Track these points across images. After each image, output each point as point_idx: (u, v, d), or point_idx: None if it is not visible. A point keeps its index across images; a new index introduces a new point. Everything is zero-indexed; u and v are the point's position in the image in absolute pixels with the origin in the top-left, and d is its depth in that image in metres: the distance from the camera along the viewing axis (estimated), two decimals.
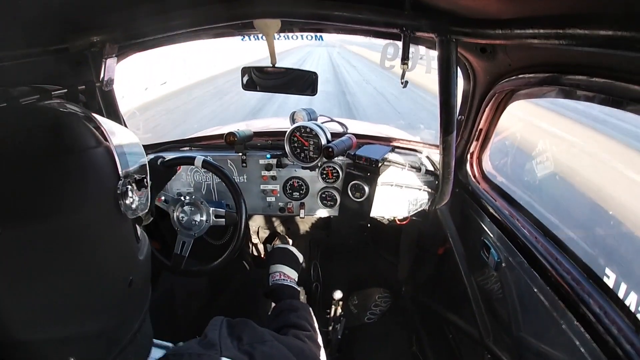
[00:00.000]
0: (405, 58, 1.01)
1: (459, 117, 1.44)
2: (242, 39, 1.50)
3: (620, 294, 0.87)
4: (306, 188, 1.73)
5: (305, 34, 1.46)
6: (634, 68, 0.69)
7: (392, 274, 2.19)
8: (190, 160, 1.42)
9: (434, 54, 1.05)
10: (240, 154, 1.69)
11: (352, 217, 1.74)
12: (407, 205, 1.69)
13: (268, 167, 1.71)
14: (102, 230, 0.46)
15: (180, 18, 0.98)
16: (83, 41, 0.98)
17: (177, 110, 9.21)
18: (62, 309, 0.43)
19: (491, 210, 1.34)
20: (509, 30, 0.79)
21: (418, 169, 1.63)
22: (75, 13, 0.88)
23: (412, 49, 1.03)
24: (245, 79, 1.43)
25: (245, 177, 1.74)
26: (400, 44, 1.01)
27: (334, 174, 1.68)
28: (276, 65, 1.32)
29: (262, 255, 2.31)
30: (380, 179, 1.62)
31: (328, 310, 1.73)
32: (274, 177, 1.73)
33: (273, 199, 1.78)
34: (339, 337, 1.72)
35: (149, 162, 0.56)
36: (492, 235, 1.32)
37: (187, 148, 1.82)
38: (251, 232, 2.28)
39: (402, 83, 1.08)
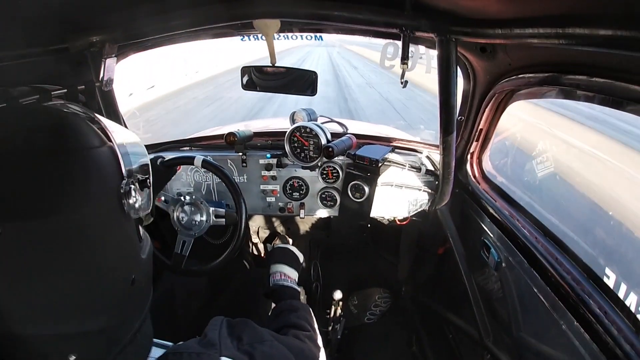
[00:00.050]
0: (405, 58, 1.01)
1: (459, 117, 1.44)
2: (242, 39, 1.50)
3: (620, 295, 0.87)
4: (306, 188, 1.73)
5: (305, 34, 1.46)
6: (634, 68, 0.69)
7: (392, 274, 2.19)
8: (190, 160, 1.42)
9: (434, 52, 1.05)
10: (241, 153, 1.69)
11: (352, 217, 1.73)
12: (407, 206, 1.69)
13: (268, 167, 1.71)
14: (105, 229, 0.46)
15: (180, 18, 0.98)
16: (83, 41, 0.98)
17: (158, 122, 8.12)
18: (65, 306, 0.43)
19: (491, 210, 1.34)
20: (509, 30, 0.79)
21: (418, 169, 1.63)
22: (75, 13, 0.88)
23: (412, 48, 1.03)
24: (245, 78, 1.43)
25: (245, 177, 1.74)
26: (400, 43, 1.01)
27: (334, 174, 1.68)
28: (276, 65, 1.32)
29: (262, 255, 2.31)
30: (380, 179, 1.62)
31: (328, 311, 1.73)
32: (274, 177, 1.73)
33: (273, 199, 1.78)
34: (339, 337, 1.72)
35: None
36: (492, 236, 1.32)
37: (187, 148, 1.82)
38: (251, 232, 2.28)
39: (401, 83, 1.08)
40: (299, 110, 1.77)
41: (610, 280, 0.91)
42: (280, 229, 2.27)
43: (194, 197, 1.50)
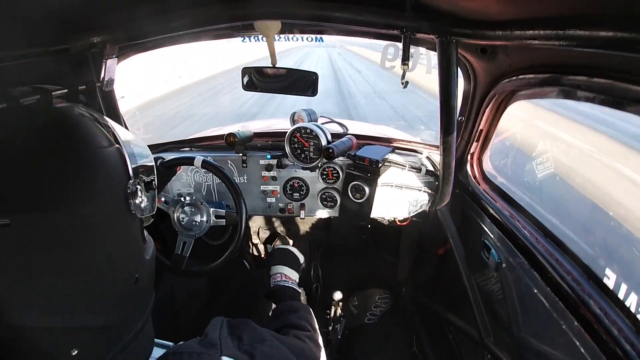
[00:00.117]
0: (405, 59, 1.01)
1: (460, 117, 1.44)
2: (243, 40, 1.51)
3: (621, 295, 0.87)
4: (306, 189, 1.73)
5: (305, 35, 1.46)
6: (634, 69, 0.69)
7: (392, 274, 2.19)
8: (189, 161, 1.42)
9: (434, 52, 1.06)
10: (241, 154, 1.69)
11: (353, 218, 1.73)
12: (408, 206, 1.69)
13: (268, 168, 1.71)
14: (111, 226, 0.48)
15: (180, 19, 0.98)
16: (84, 42, 0.99)
17: None
18: (69, 299, 0.44)
19: (491, 211, 1.34)
20: (509, 31, 0.79)
21: (418, 170, 1.63)
22: (75, 13, 0.88)
23: (413, 49, 1.03)
24: (246, 79, 1.43)
25: (245, 177, 1.74)
26: (400, 44, 1.01)
27: (334, 175, 1.68)
28: (276, 66, 1.32)
29: (263, 256, 2.31)
30: (380, 180, 1.62)
31: (328, 311, 1.73)
32: (274, 178, 1.73)
33: (273, 199, 1.78)
34: (339, 337, 1.72)
35: None
36: (492, 236, 1.32)
37: (188, 148, 1.82)
38: (251, 232, 2.28)
39: (402, 83, 1.08)
40: (300, 110, 1.77)
41: (610, 281, 0.91)
42: (280, 229, 2.27)
43: (194, 197, 1.50)
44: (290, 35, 1.44)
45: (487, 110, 1.32)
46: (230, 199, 1.44)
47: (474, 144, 1.47)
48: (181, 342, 0.61)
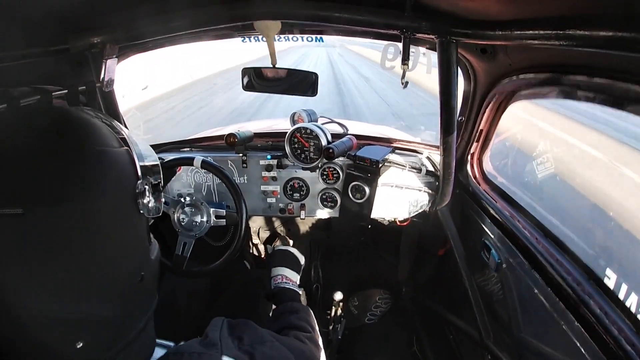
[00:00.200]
0: (405, 59, 1.01)
1: (460, 118, 1.44)
2: (243, 40, 1.51)
3: (621, 295, 0.87)
4: (306, 189, 1.73)
5: (305, 35, 1.46)
6: (634, 69, 0.69)
7: (392, 275, 2.19)
8: (189, 161, 1.42)
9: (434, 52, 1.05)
10: (241, 154, 1.69)
11: (353, 218, 1.73)
12: (408, 206, 1.69)
13: (268, 168, 1.71)
14: (120, 222, 0.50)
15: (180, 19, 0.98)
16: (83, 42, 0.99)
17: None
18: (77, 288, 0.46)
19: (492, 211, 1.34)
20: (509, 31, 0.79)
21: (418, 170, 1.63)
22: (75, 14, 0.88)
23: (413, 49, 1.03)
24: (246, 80, 1.43)
25: (245, 178, 1.74)
26: (400, 44, 1.01)
27: (335, 175, 1.68)
28: (276, 67, 1.32)
29: (263, 256, 2.31)
30: (380, 180, 1.62)
31: (328, 311, 1.73)
32: (274, 178, 1.73)
33: (273, 199, 1.78)
34: (339, 338, 1.72)
35: None
36: (492, 236, 1.32)
37: (188, 149, 1.82)
38: (252, 232, 2.28)
39: (402, 84, 1.08)
40: (300, 110, 1.77)
41: (610, 281, 0.91)
42: (280, 229, 2.27)
43: (194, 198, 1.50)
44: (291, 36, 1.44)
45: (487, 110, 1.32)
46: (231, 199, 1.44)
47: (474, 144, 1.47)
48: (182, 343, 0.61)
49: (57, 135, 0.46)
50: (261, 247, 2.31)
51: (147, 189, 0.52)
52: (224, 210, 1.48)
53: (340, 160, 1.67)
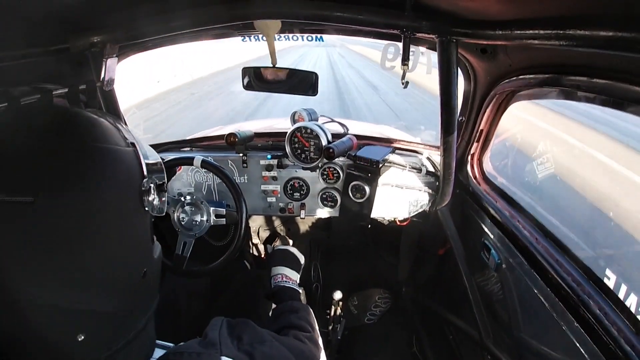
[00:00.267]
0: (405, 59, 1.01)
1: (460, 118, 1.44)
2: (243, 40, 1.51)
3: (621, 296, 0.87)
4: (307, 189, 1.73)
5: (305, 34, 1.46)
6: (635, 69, 0.69)
7: (392, 274, 2.19)
8: (189, 161, 1.42)
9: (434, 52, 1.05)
10: (241, 154, 1.69)
11: (353, 218, 1.74)
12: (408, 206, 1.69)
13: (269, 168, 1.71)
14: (125, 217, 0.51)
15: (181, 18, 0.98)
16: (84, 41, 0.99)
17: None
18: (81, 279, 0.46)
19: (492, 211, 1.34)
20: (509, 31, 0.79)
21: (419, 170, 1.63)
22: (75, 13, 0.88)
23: (413, 49, 1.03)
24: (246, 79, 1.43)
25: (245, 177, 1.74)
26: (400, 44, 1.01)
27: (335, 175, 1.68)
28: (277, 66, 1.32)
29: (263, 256, 2.32)
30: (380, 180, 1.62)
31: (328, 311, 1.73)
32: (274, 178, 1.73)
33: (274, 199, 1.78)
34: (339, 337, 1.72)
35: None
36: (492, 237, 1.32)
37: (188, 148, 1.82)
38: (252, 232, 2.29)
39: (402, 84, 1.08)
40: (300, 110, 1.77)
41: (610, 281, 0.91)
42: (280, 229, 2.27)
43: (194, 197, 1.50)
44: (291, 35, 1.44)
45: (488, 110, 1.32)
46: (231, 198, 1.44)
47: (475, 144, 1.47)
48: (181, 343, 0.61)
49: (57, 135, 0.46)
50: (261, 247, 2.31)
51: (152, 187, 0.54)
52: (224, 209, 1.48)
53: (340, 160, 1.67)
